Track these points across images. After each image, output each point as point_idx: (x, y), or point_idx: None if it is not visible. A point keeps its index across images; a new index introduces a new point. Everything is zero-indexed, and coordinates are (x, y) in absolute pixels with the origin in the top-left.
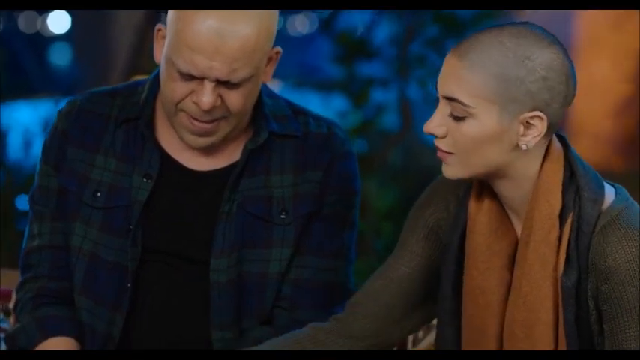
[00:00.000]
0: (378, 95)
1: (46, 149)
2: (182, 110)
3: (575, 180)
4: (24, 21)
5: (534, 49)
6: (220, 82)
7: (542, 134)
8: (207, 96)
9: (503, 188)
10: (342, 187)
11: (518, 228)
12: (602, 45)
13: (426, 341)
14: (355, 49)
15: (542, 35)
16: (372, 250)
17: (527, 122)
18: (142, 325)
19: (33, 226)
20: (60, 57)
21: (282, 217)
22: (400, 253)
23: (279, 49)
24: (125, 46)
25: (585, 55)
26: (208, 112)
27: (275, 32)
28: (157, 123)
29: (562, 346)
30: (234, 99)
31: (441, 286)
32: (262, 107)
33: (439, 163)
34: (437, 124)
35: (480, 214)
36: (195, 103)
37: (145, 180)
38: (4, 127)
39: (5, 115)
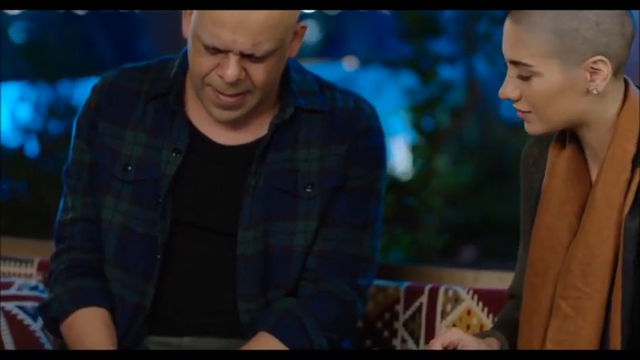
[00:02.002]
0: (445, 72)
1: (79, 124)
2: (208, 84)
3: None
4: None
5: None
6: (244, 56)
7: (610, 76)
8: (231, 69)
9: (586, 134)
10: (367, 160)
11: (594, 176)
12: None
13: (454, 315)
14: (422, 26)
15: None
16: (423, 226)
17: (591, 68)
18: (172, 296)
19: (67, 199)
20: (130, 34)
21: (308, 190)
22: (524, 228)
23: (304, 24)
24: None
25: None
26: (233, 85)
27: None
28: (187, 98)
29: (617, 288)
30: (259, 73)
31: (521, 232)
32: (289, 83)
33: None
34: (509, 87)
35: (560, 159)
36: (221, 77)
37: (174, 154)
38: (78, 104)
39: (79, 92)
